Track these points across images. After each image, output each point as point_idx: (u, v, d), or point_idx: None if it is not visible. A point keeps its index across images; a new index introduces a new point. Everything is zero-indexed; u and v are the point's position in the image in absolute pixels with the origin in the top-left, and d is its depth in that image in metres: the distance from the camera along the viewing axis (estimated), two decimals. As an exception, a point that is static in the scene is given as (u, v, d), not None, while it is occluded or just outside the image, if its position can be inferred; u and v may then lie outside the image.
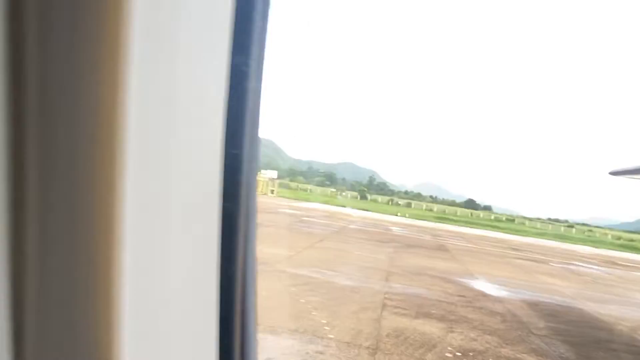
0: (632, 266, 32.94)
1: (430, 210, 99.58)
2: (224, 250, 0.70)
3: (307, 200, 62.18)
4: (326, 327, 6.74)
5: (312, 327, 6.67)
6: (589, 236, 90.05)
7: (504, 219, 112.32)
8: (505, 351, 6.97)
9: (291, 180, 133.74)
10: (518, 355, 6.85)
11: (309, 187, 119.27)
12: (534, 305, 11.22)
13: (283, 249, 13.95)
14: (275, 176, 67.98)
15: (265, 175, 65.28)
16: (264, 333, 6.10)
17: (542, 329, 8.80)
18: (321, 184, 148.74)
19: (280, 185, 78.92)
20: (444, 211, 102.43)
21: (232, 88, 0.68)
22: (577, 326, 9.76)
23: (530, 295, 12.68)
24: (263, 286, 8.67)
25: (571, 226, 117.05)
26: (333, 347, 5.95)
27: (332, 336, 6.39)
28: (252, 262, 0.81)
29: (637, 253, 52.30)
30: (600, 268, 27.08)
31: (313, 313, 7.37)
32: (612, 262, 33.55)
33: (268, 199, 51.31)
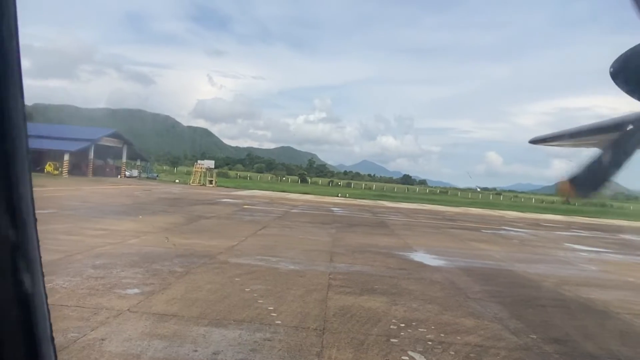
0: (554, 226, 35.72)
1: (370, 188, 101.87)
2: None
3: (248, 188, 61.44)
4: (273, 314, 6.74)
5: (258, 315, 6.64)
6: (515, 202, 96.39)
7: (438, 191, 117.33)
8: (445, 317, 7.33)
9: (230, 169, 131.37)
10: (457, 320, 7.23)
11: (249, 174, 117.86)
12: (468, 271, 11.88)
13: (225, 239, 13.74)
14: (213, 166, 66.46)
15: (202, 166, 63.66)
16: (210, 326, 5.99)
17: (477, 293, 9.35)
18: (261, 171, 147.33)
19: (219, 175, 77.31)
20: (383, 188, 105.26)
21: None
22: (508, 287, 10.46)
23: (465, 262, 13.41)
24: (206, 279, 8.51)
25: (499, 194, 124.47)
26: (281, 333, 5.96)
27: (279, 322, 6.40)
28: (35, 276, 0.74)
29: (558, 214, 56.70)
30: (526, 230, 29.13)
31: (259, 301, 7.34)
32: (536, 224, 36.18)
33: (207, 189, 50.18)
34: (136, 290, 7.42)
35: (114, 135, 62.64)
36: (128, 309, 6.41)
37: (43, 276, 0.75)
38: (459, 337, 6.40)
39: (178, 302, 6.98)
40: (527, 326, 7.25)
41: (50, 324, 0.77)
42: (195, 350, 5.19)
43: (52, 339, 0.77)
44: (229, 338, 5.65)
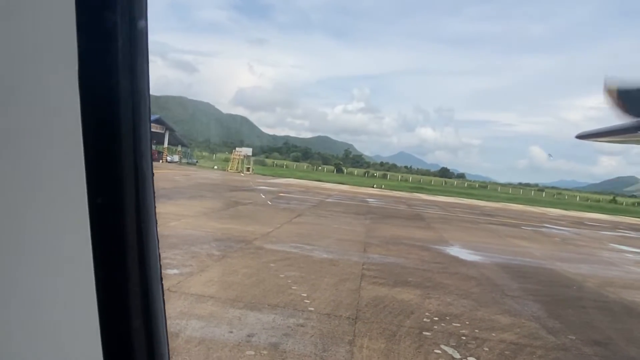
0: (599, 225, 34.31)
1: (406, 180, 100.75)
2: (101, 250, 0.70)
3: (284, 176, 62.02)
4: (306, 301, 6.83)
5: (292, 301, 6.74)
6: (559, 199, 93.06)
7: (476, 185, 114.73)
8: (480, 313, 7.21)
9: (267, 157, 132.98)
10: (492, 316, 7.10)
11: (285, 162, 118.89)
12: (506, 268, 11.61)
13: (261, 226, 13.96)
14: (251, 153, 67.40)
15: (240, 153, 64.68)
16: (245, 309, 6.14)
17: (515, 291, 9.13)
18: (297, 159, 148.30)
19: (256, 162, 78.39)
20: (420, 181, 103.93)
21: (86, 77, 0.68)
22: (548, 286, 10.16)
23: (502, 259, 13.10)
24: (242, 264, 8.69)
25: (541, 190, 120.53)
26: (314, 320, 6.04)
27: (312, 309, 6.48)
28: (152, 261, 0.79)
29: (603, 213, 54.39)
30: (569, 229, 28.11)
31: (293, 287, 7.45)
32: (580, 223, 34.86)
33: (244, 176, 50.99)
34: (176, 271, 7.67)
35: (157, 122, 64.50)
36: (168, 289, 6.64)
37: (160, 269, 0.81)
38: (493, 334, 6.29)
39: (215, 285, 7.18)
40: (566, 326, 7.04)
41: (165, 315, 0.84)
42: (231, 332, 5.33)
43: (166, 326, 0.84)
44: (263, 322, 5.77)
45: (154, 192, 0.78)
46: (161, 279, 0.82)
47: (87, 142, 0.66)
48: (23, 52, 0.62)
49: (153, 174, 0.78)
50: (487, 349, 5.67)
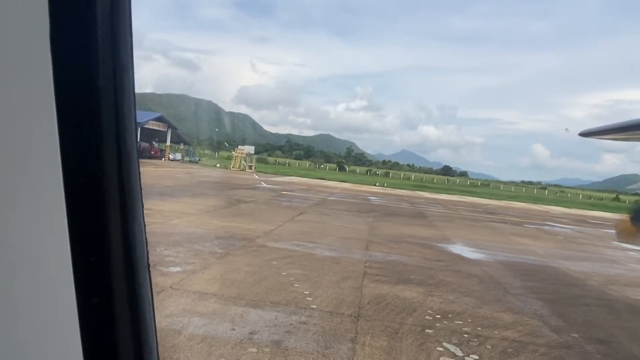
0: (602, 223, 34.20)
1: (408, 178, 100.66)
2: (79, 246, 0.68)
3: (286, 174, 62.04)
4: (308, 298, 6.83)
5: (294, 299, 6.75)
6: (561, 197, 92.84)
7: (479, 183, 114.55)
8: (483, 311, 7.20)
9: (269, 155, 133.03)
10: (495, 314, 7.10)
11: (288, 161, 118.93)
12: (508, 266, 11.59)
13: (263, 224, 13.97)
14: (253, 151, 67.39)
15: (242, 151, 64.68)
16: (247, 307, 6.15)
17: (518, 288, 9.12)
18: (299, 157, 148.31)
19: (259, 161, 78.42)
20: (422, 179, 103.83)
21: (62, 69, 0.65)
22: (550, 284, 10.14)
23: (505, 257, 13.08)
24: (245, 261, 8.70)
25: (544, 188, 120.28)
26: (316, 317, 6.04)
27: (314, 306, 6.48)
28: (139, 256, 0.77)
29: (606, 211, 54.22)
30: (572, 227, 28.05)
31: (295, 285, 7.45)
32: (583, 221, 34.77)
33: (246, 174, 51.02)
34: (178, 269, 7.69)
35: (160, 119, 64.54)
36: (170, 286, 6.65)
37: (149, 266, 0.79)
38: (496, 332, 6.28)
39: (217, 282, 7.18)
40: (568, 324, 7.03)
41: (153, 309, 0.82)
42: (233, 329, 5.34)
43: (154, 316, 0.82)
44: (265, 319, 5.78)
45: (140, 190, 0.76)
46: (150, 280, 0.80)
47: (64, 140, 0.64)
48: None
49: (140, 172, 0.76)
50: (489, 347, 5.67)
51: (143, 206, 0.77)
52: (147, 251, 0.79)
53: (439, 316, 6.67)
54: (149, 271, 0.79)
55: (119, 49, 0.69)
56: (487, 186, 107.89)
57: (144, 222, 0.77)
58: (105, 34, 0.66)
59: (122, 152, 0.71)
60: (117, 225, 0.71)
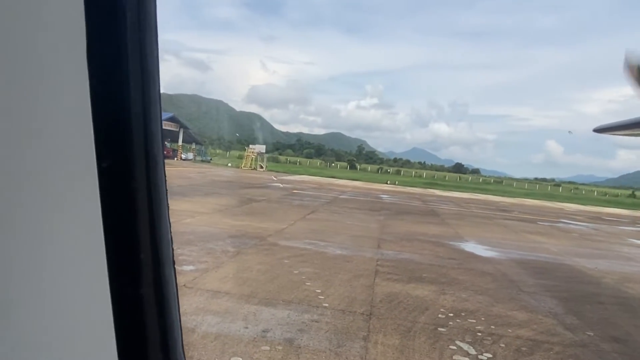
0: (617, 220, 33.71)
1: (420, 176, 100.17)
2: (114, 244, 0.70)
3: (297, 173, 62.13)
4: (320, 297, 6.84)
5: (306, 297, 6.77)
6: (576, 194, 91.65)
7: (491, 181, 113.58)
8: (496, 309, 7.15)
9: (280, 154, 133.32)
10: (508, 313, 7.04)
11: (299, 159, 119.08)
12: (522, 264, 11.49)
13: (275, 222, 14.02)
14: (264, 150, 67.59)
15: (254, 150, 64.92)
16: (260, 305, 6.18)
17: (532, 287, 9.03)
18: (310, 156, 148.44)
19: (270, 159, 78.65)
20: (433, 177, 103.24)
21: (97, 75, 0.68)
22: (565, 282, 10.03)
23: (518, 255, 12.96)
24: (257, 260, 8.75)
25: (558, 185, 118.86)
26: (328, 316, 6.06)
27: (326, 305, 6.49)
28: (165, 251, 0.80)
29: (622, 207, 53.42)
30: (587, 224, 27.68)
31: (307, 284, 7.47)
32: (598, 218, 34.30)
33: (258, 173, 51.21)
34: (191, 267, 7.75)
35: (172, 120, 65.03)
36: (184, 285, 6.72)
37: (174, 264, 0.82)
38: (510, 330, 6.23)
39: (230, 281, 7.23)
40: (584, 323, 6.95)
41: (179, 310, 0.85)
42: (246, 327, 5.38)
43: (180, 322, 0.85)
44: (278, 317, 5.80)
45: (166, 191, 0.79)
46: (175, 278, 0.83)
47: (99, 142, 0.67)
48: (32, 52, 0.63)
49: (165, 174, 0.79)
50: (503, 345, 5.63)
51: (169, 207, 0.80)
52: (173, 250, 0.82)
53: (451, 314, 6.64)
54: (175, 269, 0.82)
55: (146, 58, 0.71)
56: (499, 183, 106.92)
57: (169, 222, 0.80)
58: (134, 42, 0.69)
59: (150, 156, 0.73)
60: (146, 225, 0.74)
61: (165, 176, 0.79)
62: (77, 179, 0.67)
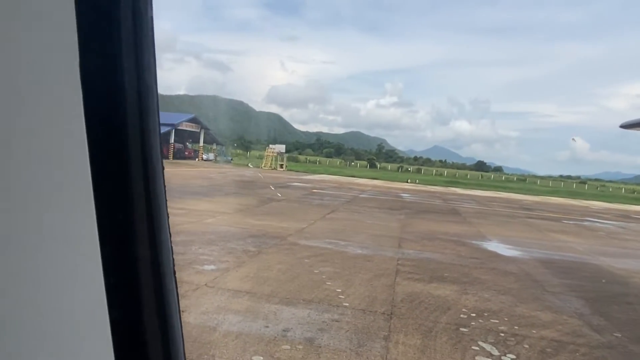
0: (647, 219, 32.75)
1: (441, 175, 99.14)
2: (110, 247, 0.69)
3: (317, 172, 62.19)
4: (341, 296, 6.84)
5: (327, 296, 6.77)
6: (602, 191, 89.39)
7: (514, 179, 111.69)
8: (520, 310, 7.03)
9: (300, 154, 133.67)
10: (532, 313, 6.92)
11: (318, 159, 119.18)
12: (547, 264, 11.26)
13: (295, 222, 14.07)
14: (284, 150, 67.83)
15: (274, 150, 65.23)
16: (280, 304, 6.21)
17: (556, 286, 8.85)
18: (330, 155, 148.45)
19: (289, 159, 78.93)
20: (455, 175, 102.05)
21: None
22: (592, 281, 9.80)
23: (543, 254, 12.72)
24: (277, 259, 8.79)
25: (584, 182, 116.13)
26: (348, 315, 6.05)
27: (347, 304, 6.49)
28: (165, 253, 0.78)
29: (652, 205, 51.85)
30: (614, 222, 26.98)
31: (327, 283, 7.48)
32: (626, 216, 33.38)
33: (278, 173, 51.42)
34: (213, 267, 7.84)
35: (193, 121, 65.82)
36: (205, 284, 6.80)
37: (174, 272, 0.81)
38: (534, 331, 6.12)
39: (251, 280, 7.29)
40: (611, 324, 6.78)
41: (180, 312, 0.83)
42: (267, 326, 5.41)
43: (181, 321, 0.84)
44: (298, 317, 5.83)
45: (164, 187, 0.78)
46: (176, 286, 0.80)
47: (91, 139, 0.66)
48: (22, 51, 0.62)
49: (163, 168, 0.77)
50: (527, 346, 5.53)
51: (168, 216, 0.79)
52: (173, 258, 0.80)
53: (473, 314, 6.55)
54: (175, 277, 0.80)
55: (142, 51, 0.70)
56: (523, 181, 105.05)
57: (169, 229, 0.79)
58: (128, 36, 0.68)
59: (147, 159, 0.72)
60: (144, 232, 0.73)
61: (164, 180, 0.77)
62: (71, 184, 0.66)
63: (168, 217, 0.79)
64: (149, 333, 0.75)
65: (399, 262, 9.67)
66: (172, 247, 0.80)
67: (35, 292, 0.66)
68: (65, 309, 0.68)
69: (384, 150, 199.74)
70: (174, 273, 0.80)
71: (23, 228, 0.65)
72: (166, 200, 0.78)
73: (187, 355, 0.84)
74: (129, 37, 0.68)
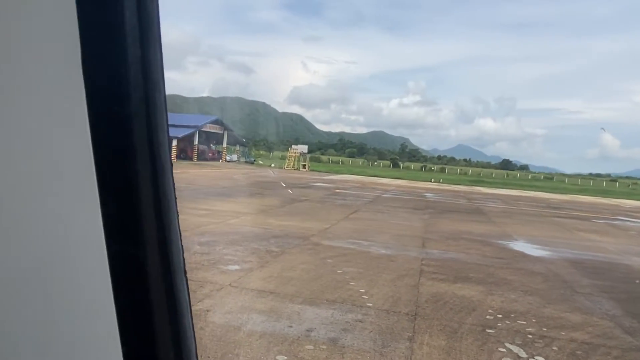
0: (682, 217, 31.56)
1: (465, 174, 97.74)
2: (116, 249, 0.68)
3: (340, 172, 62.13)
4: (364, 296, 6.81)
5: (350, 297, 6.75)
6: (634, 189, 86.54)
7: (541, 177, 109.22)
8: (548, 311, 6.87)
9: (322, 154, 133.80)
10: (561, 314, 6.75)
11: (341, 159, 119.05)
12: (576, 264, 10.98)
13: (318, 222, 14.08)
14: (306, 151, 68.02)
15: (296, 151, 65.49)
16: (304, 304, 6.23)
17: (586, 287, 8.62)
18: (352, 155, 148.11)
19: (312, 159, 79.09)
20: (480, 174, 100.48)
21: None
22: (624, 282, 9.50)
23: (572, 254, 12.40)
24: (300, 260, 8.82)
25: (614, 180, 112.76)
26: (372, 315, 6.02)
27: (370, 304, 6.46)
28: (175, 255, 0.77)
29: (687, 204, 49.88)
30: (647, 221, 26.09)
31: (351, 283, 7.46)
32: (659, 215, 32.24)
33: (300, 173, 51.57)
34: (236, 267, 7.92)
35: (216, 122, 66.68)
36: (229, 284, 6.87)
37: (185, 272, 0.80)
38: (563, 333, 5.97)
39: (274, 280, 7.33)
40: (645, 326, 6.55)
41: (191, 310, 0.83)
42: (290, 326, 5.43)
43: (192, 320, 0.83)
44: (322, 317, 5.83)
45: (173, 185, 0.77)
46: (187, 286, 0.80)
47: (96, 137, 0.65)
48: (23, 49, 0.62)
49: (172, 165, 0.76)
50: (556, 348, 5.40)
51: (178, 214, 0.78)
52: (184, 258, 0.80)
53: (500, 316, 6.44)
54: (186, 277, 0.80)
55: (147, 45, 0.69)
56: (550, 180, 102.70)
57: (179, 228, 0.78)
58: (133, 33, 0.66)
59: (155, 157, 0.71)
60: (154, 233, 0.72)
61: (173, 181, 0.76)
62: (76, 183, 0.65)
63: (178, 216, 0.78)
64: (159, 333, 0.74)
65: (422, 262, 9.58)
66: (182, 246, 0.79)
67: (43, 294, 0.66)
68: (74, 308, 0.67)
69: (407, 150, 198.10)
70: (185, 272, 0.79)
71: (29, 229, 0.64)
72: (176, 199, 0.77)
73: (203, 355, 0.84)
74: (134, 31, 0.67)
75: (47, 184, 0.65)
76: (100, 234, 0.67)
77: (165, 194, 0.74)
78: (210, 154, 66.64)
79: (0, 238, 0.62)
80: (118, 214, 0.68)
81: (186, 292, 0.79)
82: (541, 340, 5.62)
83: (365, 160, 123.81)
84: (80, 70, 0.63)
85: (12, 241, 0.63)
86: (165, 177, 0.73)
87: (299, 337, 5.15)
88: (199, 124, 61.56)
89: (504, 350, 5.23)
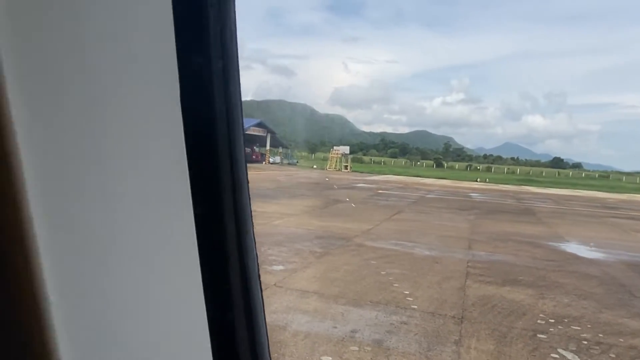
0: None
1: (513, 172, 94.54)
2: (205, 254, 0.72)
3: (382, 173, 61.66)
4: (409, 298, 6.74)
5: (394, 298, 6.70)
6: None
7: (596, 176, 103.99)
8: (605, 316, 6.55)
9: (364, 155, 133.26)
10: (619, 320, 6.41)
11: (383, 159, 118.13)
12: (636, 267, 10.38)
13: (360, 223, 14.04)
14: (348, 151, 67.99)
15: (338, 152, 65.59)
16: (348, 306, 6.23)
17: (647, 292, 8.14)
18: (394, 155, 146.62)
19: (354, 160, 78.94)
20: (528, 173, 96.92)
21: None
22: (689, 287, 8.90)
23: (630, 256, 11.74)
24: (343, 261, 8.83)
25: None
26: (417, 318, 5.95)
27: (415, 307, 6.38)
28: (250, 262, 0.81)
29: None
30: None
31: (395, 285, 7.39)
32: None
33: (342, 174, 51.58)
34: (281, 267, 8.03)
35: (259, 125, 67.83)
36: (275, 284, 6.97)
37: (259, 277, 0.85)
38: (621, 339, 5.67)
39: (318, 281, 7.38)
40: None
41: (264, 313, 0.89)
42: (335, 327, 5.45)
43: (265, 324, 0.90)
44: (366, 318, 5.81)
45: (249, 197, 0.81)
46: (261, 290, 0.85)
47: (189, 143, 0.68)
48: (129, 57, 0.64)
49: (248, 180, 0.80)
50: (613, 355, 5.14)
51: (253, 224, 0.83)
52: (258, 264, 0.84)
53: (552, 320, 6.19)
54: (260, 282, 0.85)
55: (228, 64, 0.73)
56: (605, 178, 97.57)
57: (254, 236, 0.83)
58: (217, 50, 0.70)
59: (234, 164, 0.75)
60: (233, 237, 0.77)
61: (248, 181, 0.80)
62: (171, 186, 0.68)
63: (252, 225, 0.83)
64: (239, 333, 0.80)
65: (469, 264, 9.35)
66: (257, 253, 0.84)
67: (135, 294, 0.68)
68: (165, 307, 0.71)
69: (451, 149, 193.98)
70: (259, 277, 0.84)
71: (125, 229, 0.66)
72: (251, 210, 0.82)
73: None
74: (216, 42, 0.70)
75: (142, 185, 0.67)
76: (193, 235, 0.70)
77: (242, 202, 0.78)
78: (254, 157, 67.84)
79: (96, 238, 0.64)
80: (206, 218, 0.72)
81: (260, 295, 0.84)
82: (597, 347, 5.36)
83: (408, 161, 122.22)
84: (177, 75, 0.66)
85: (107, 242, 0.65)
86: (242, 182, 0.78)
87: (343, 338, 5.16)
88: (244, 127, 62.60)
89: (556, 356, 5.03)
